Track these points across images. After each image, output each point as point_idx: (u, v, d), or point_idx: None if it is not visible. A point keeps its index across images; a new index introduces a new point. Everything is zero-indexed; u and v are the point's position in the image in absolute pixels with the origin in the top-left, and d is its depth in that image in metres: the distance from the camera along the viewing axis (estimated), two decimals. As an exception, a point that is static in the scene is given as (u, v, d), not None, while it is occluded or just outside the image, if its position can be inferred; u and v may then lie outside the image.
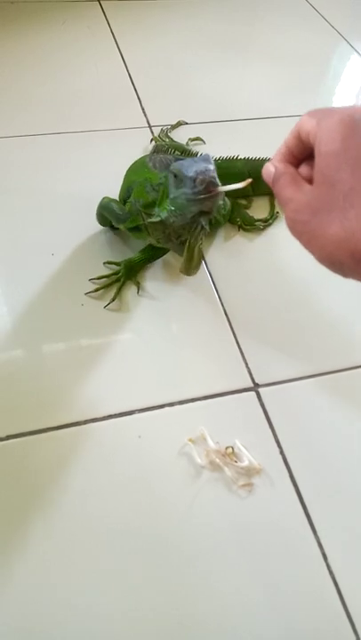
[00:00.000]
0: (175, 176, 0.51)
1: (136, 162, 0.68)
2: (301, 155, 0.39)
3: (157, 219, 0.56)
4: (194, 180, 0.49)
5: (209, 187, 0.49)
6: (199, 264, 0.58)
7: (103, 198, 0.65)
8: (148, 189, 0.60)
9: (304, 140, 0.37)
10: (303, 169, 0.39)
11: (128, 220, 0.62)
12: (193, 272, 0.59)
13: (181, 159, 0.54)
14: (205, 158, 0.51)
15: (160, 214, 0.56)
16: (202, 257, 0.57)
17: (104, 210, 0.65)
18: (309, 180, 0.37)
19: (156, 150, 0.70)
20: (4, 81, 0.92)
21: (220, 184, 0.49)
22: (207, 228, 0.55)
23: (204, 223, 0.54)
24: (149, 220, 0.58)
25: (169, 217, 0.54)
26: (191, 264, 0.57)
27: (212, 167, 0.49)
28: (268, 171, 0.39)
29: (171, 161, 0.64)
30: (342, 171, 0.33)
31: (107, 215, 0.64)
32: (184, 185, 0.51)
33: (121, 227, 0.64)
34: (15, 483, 0.48)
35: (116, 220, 0.64)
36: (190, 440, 0.51)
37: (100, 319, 0.61)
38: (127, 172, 0.68)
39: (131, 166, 0.68)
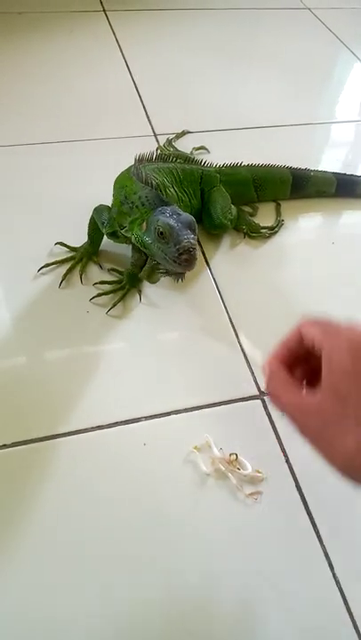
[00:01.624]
0: (161, 233, 0.53)
1: (124, 170, 0.68)
2: (298, 354, 0.42)
3: (128, 234, 0.60)
4: (179, 253, 0.52)
5: (190, 263, 0.53)
6: (154, 282, 0.64)
7: (97, 205, 0.65)
8: (122, 199, 0.61)
9: (307, 345, 0.40)
10: (296, 373, 0.42)
11: (107, 225, 0.63)
12: (150, 282, 0.64)
13: (165, 207, 0.56)
14: (190, 225, 0.54)
15: (128, 234, 0.60)
16: (157, 281, 0.63)
17: (95, 214, 0.65)
18: (300, 382, 0.41)
19: (154, 158, 0.70)
20: (12, 90, 0.93)
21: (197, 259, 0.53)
22: (170, 278, 0.59)
23: (171, 278, 0.58)
24: (120, 230, 0.61)
25: (136, 243, 0.58)
26: (150, 279, 0.63)
27: (195, 240, 0.53)
28: (265, 369, 0.42)
29: (166, 172, 0.67)
30: (354, 388, 0.36)
31: (95, 219, 0.65)
32: (167, 246, 0.53)
33: (103, 231, 0.65)
34: (20, 490, 0.48)
35: (101, 224, 0.64)
36: (196, 448, 0.51)
37: (105, 326, 0.61)
38: (115, 180, 0.68)
39: (118, 176, 0.68)
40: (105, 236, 0.66)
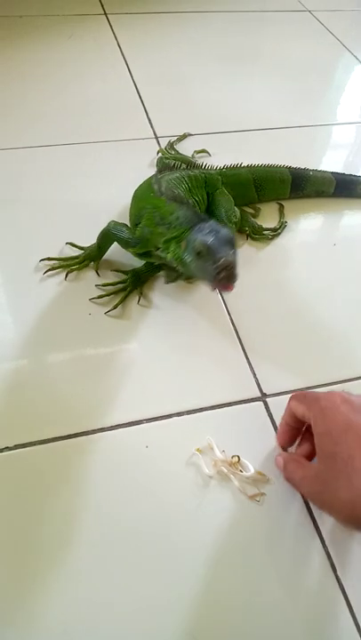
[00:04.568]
0: (199, 253, 0.52)
1: (142, 185, 0.68)
2: (299, 427, 0.49)
3: (163, 254, 0.59)
4: (217, 271, 0.50)
5: (230, 280, 0.50)
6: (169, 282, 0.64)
7: (110, 222, 0.65)
8: (157, 221, 0.60)
9: (300, 418, 0.47)
10: (304, 447, 0.48)
11: (138, 245, 0.62)
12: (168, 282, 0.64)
13: (203, 224, 0.54)
14: (229, 241, 0.51)
15: (163, 254, 0.59)
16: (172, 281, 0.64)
17: (112, 233, 0.64)
18: (310, 455, 0.47)
19: (161, 169, 0.70)
20: (13, 93, 0.93)
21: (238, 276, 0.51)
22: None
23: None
24: (155, 251, 0.60)
25: (173, 263, 0.57)
26: (169, 279, 0.64)
27: (236, 257, 0.50)
28: (278, 461, 0.49)
29: (177, 182, 0.65)
30: (338, 444, 0.41)
31: (115, 238, 0.64)
32: (206, 264, 0.51)
33: (130, 251, 0.64)
34: (22, 492, 0.48)
35: (125, 244, 0.63)
36: (198, 450, 0.51)
37: (107, 328, 0.61)
38: (134, 195, 0.68)
39: (137, 190, 0.68)
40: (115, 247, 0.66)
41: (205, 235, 0.52)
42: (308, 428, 0.47)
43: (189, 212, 0.57)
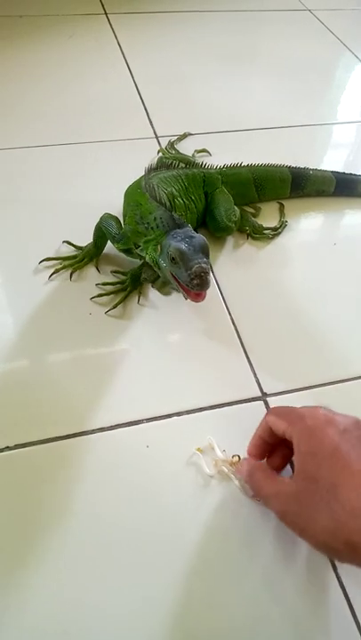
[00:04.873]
0: (173, 259, 0.53)
1: (134, 182, 0.69)
2: (273, 442, 0.47)
3: (142, 253, 0.60)
4: (191, 278, 0.52)
5: (203, 286, 0.52)
6: (166, 295, 0.64)
7: (103, 214, 0.65)
8: (137, 219, 0.61)
9: (279, 435, 0.45)
10: (275, 459, 0.48)
11: (121, 241, 0.63)
12: (162, 294, 0.64)
13: (178, 230, 0.56)
14: (203, 248, 0.53)
15: (142, 253, 0.60)
16: (169, 294, 0.64)
17: (103, 226, 0.64)
18: (279, 467, 0.47)
19: (158, 166, 0.70)
20: (14, 93, 0.93)
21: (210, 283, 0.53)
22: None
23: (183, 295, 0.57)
24: (135, 249, 0.61)
25: (150, 264, 0.59)
26: (162, 291, 0.64)
27: (208, 265, 0.52)
28: (242, 467, 0.48)
29: (172, 180, 0.66)
30: (322, 468, 0.40)
31: (104, 230, 0.64)
32: (180, 271, 0.53)
33: (115, 246, 0.65)
34: (22, 492, 0.48)
35: (111, 238, 0.64)
36: (198, 449, 0.51)
37: (107, 328, 0.61)
38: (125, 192, 0.69)
39: (129, 187, 0.69)
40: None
41: (179, 241, 0.53)
42: (283, 441, 0.46)
43: (166, 215, 0.58)
